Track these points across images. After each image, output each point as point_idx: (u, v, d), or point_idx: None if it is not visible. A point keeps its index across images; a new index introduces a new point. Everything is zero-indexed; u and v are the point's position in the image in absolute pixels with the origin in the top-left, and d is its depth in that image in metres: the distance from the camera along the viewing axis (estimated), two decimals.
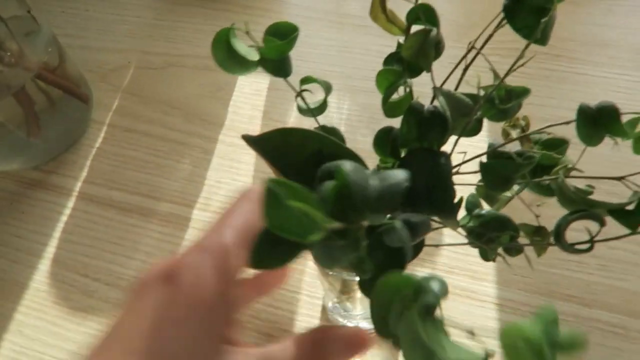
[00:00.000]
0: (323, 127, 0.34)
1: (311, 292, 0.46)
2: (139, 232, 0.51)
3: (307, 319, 0.45)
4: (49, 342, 0.46)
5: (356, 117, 0.56)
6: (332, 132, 0.34)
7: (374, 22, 0.29)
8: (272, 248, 0.16)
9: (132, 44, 0.67)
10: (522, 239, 0.32)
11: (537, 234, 0.32)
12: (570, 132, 0.29)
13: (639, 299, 0.43)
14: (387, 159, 0.34)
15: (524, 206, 0.34)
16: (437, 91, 0.27)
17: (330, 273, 0.38)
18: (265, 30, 0.28)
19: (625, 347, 0.41)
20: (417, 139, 0.28)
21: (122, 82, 0.63)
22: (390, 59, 0.32)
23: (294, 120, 0.57)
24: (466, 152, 0.35)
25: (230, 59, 0.28)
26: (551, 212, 0.35)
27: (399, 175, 0.18)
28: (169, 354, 0.18)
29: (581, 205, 0.27)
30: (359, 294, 0.41)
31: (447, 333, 0.21)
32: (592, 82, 0.56)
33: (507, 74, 0.27)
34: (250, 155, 0.54)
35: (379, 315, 0.21)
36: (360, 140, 0.54)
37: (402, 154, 0.35)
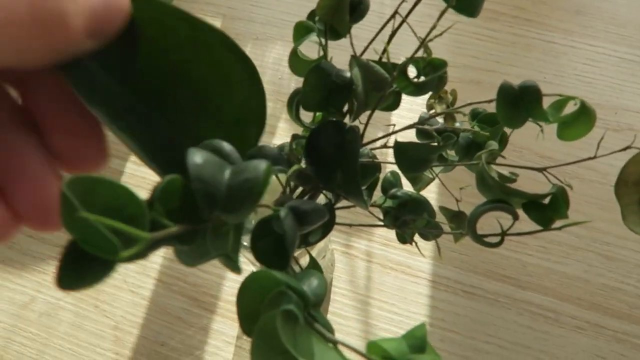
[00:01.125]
0: None
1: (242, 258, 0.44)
2: None
3: (234, 284, 0.43)
4: None
5: None
6: None
7: None
8: (82, 260, 0.13)
9: None
10: (443, 222, 0.30)
11: (456, 219, 0.30)
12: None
13: (575, 283, 0.41)
14: (297, 122, 0.31)
15: (452, 188, 0.32)
16: (354, 61, 0.24)
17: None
18: None
19: (554, 331, 0.40)
20: (319, 102, 0.25)
21: None
22: (311, 16, 0.28)
23: None
24: (394, 125, 0.32)
25: None
26: (474, 194, 0.33)
27: (258, 167, 0.15)
28: None
29: (498, 194, 0.25)
30: None
31: (324, 338, 0.18)
32: (560, 52, 0.53)
33: (422, 44, 0.24)
34: None
35: (245, 314, 0.18)
36: None
37: (316, 120, 0.32)
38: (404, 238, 0.30)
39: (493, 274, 0.42)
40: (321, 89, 0.26)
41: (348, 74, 0.26)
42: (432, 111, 0.28)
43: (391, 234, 0.45)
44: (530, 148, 0.47)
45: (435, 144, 0.27)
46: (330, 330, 0.17)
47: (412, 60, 0.24)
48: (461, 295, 0.42)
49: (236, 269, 0.19)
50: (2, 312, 0.43)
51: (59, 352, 0.41)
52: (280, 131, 0.51)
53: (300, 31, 0.27)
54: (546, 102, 0.25)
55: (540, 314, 0.40)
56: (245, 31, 0.56)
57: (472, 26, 0.55)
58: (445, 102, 0.28)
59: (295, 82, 0.52)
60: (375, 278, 0.43)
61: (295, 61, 0.27)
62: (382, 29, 0.26)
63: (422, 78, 0.26)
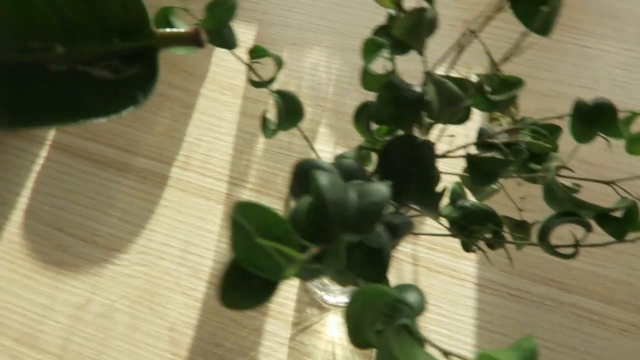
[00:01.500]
0: (279, 92, 0.32)
1: None
2: (115, 187, 0.49)
3: (285, 287, 0.45)
4: (21, 295, 0.45)
5: (347, 79, 0.54)
6: (288, 97, 0.32)
7: None
8: (242, 282, 0.14)
9: None
10: (504, 232, 0.31)
11: (519, 228, 0.31)
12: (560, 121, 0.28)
13: (619, 287, 0.42)
14: (365, 135, 0.32)
15: (505, 195, 0.33)
16: (428, 77, 0.25)
17: None
18: (206, 6, 0.28)
19: (600, 334, 0.41)
20: (391, 116, 0.26)
21: None
22: (379, 32, 0.29)
23: (280, 77, 0.54)
24: (454, 136, 0.33)
25: None
26: (533, 203, 0.34)
27: (380, 190, 0.16)
28: None
29: (568, 206, 0.26)
30: None
31: (424, 347, 0.20)
32: (594, 56, 0.54)
33: (501, 62, 0.25)
34: (233, 113, 0.52)
35: (354, 324, 0.20)
36: (349, 105, 0.52)
37: (381, 132, 0.33)
38: (469, 246, 0.31)
39: (538, 277, 0.43)
40: (393, 103, 0.27)
41: (417, 89, 0.27)
42: (495, 123, 0.29)
43: (436, 237, 0.46)
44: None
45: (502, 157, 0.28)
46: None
47: (487, 77, 0.25)
48: (507, 298, 0.43)
49: (352, 283, 0.20)
50: (59, 313, 0.45)
51: (117, 353, 0.43)
52: (321, 136, 0.52)
53: (371, 47, 0.28)
54: None
55: (586, 316, 0.42)
56: (281, 37, 0.57)
57: (507, 31, 0.55)
58: (510, 115, 0.29)
59: (334, 88, 0.53)
60: (422, 281, 0.44)
61: (366, 77, 0.28)
62: (459, 51, 0.27)
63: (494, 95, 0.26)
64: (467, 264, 0.44)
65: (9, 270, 0.46)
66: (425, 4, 0.24)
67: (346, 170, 0.25)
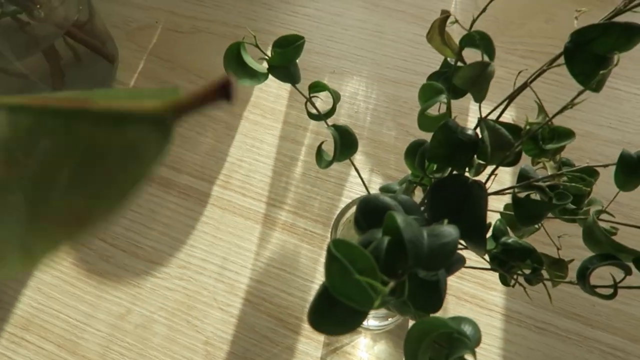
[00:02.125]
0: (334, 126, 0.34)
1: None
2: (158, 202, 0.51)
3: None
4: (65, 302, 0.47)
5: (383, 109, 0.56)
6: (344, 132, 0.34)
7: (428, 43, 0.28)
8: (333, 310, 0.16)
9: (160, 2, 0.65)
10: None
11: (556, 265, 0.33)
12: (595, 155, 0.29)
13: None
14: (415, 171, 0.34)
15: (541, 232, 0.34)
16: (483, 124, 0.27)
17: None
18: (273, 43, 0.30)
19: None
20: (445, 157, 0.28)
21: (149, 44, 0.62)
22: (435, 76, 0.31)
23: (320, 104, 0.56)
24: (496, 174, 0.35)
25: (241, 71, 0.30)
26: (568, 241, 0.35)
27: (451, 233, 0.18)
28: None
29: (607, 248, 0.28)
30: None
31: None
32: (623, 99, 0.56)
33: (554, 115, 0.27)
34: (273, 137, 0.54)
35: (411, 349, 0.21)
36: (385, 134, 0.54)
37: (430, 169, 0.35)
38: (506, 281, 0.32)
39: (564, 311, 0.45)
40: (447, 144, 0.29)
41: (471, 132, 0.29)
42: (538, 165, 0.31)
43: (465, 267, 0.47)
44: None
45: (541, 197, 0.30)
46: None
47: (540, 127, 0.27)
48: (534, 331, 0.44)
49: (409, 312, 0.22)
50: (101, 321, 0.46)
51: None
52: (357, 163, 0.54)
53: (429, 92, 0.30)
54: (615, 148, 0.27)
55: (610, 353, 0.43)
56: (322, 65, 0.60)
57: (552, 92, 0.57)
58: (555, 161, 0.30)
59: (371, 117, 0.55)
60: (450, 309, 0.46)
61: (422, 119, 0.30)
62: (510, 99, 0.29)
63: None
64: (495, 294, 0.46)
65: (53, 277, 0.49)
66: (486, 58, 0.26)
67: (404, 206, 0.27)
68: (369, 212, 0.24)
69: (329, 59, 0.60)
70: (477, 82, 0.27)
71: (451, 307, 0.46)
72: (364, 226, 0.25)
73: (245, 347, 0.45)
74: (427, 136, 0.32)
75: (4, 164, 0.11)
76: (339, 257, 0.15)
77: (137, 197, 0.52)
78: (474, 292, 0.46)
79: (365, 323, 0.45)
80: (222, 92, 0.11)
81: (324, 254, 0.49)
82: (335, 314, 0.17)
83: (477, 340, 0.22)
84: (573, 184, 0.29)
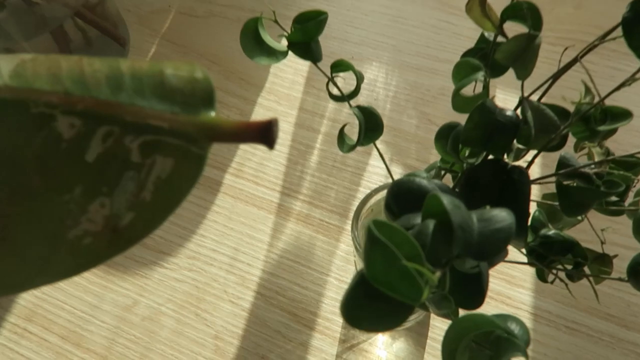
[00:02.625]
0: (359, 107, 0.31)
1: (340, 276, 0.45)
2: None
3: (333, 302, 0.44)
4: (70, 292, 0.45)
5: (404, 96, 0.53)
6: (369, 113, 0.31)
7: (466, 14, 0.26)
8: (371, 302, 0.14)
9: None
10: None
11: (599, 260, 0.30)
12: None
13: None
14: (447, 156, 0.31)
15: (583, 226, 0.32)
16: (526, 103, 0.25)
17: None
18: (294, 19, 0.28)
19: None
20: (481, 139, 0.26)
21: (161, 28, 0.60)
22: (471, 53, 0.29)
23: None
24: (533, 160, 0.32)
25: (258, 49, 0.28)
26: (610, 236, 0.33)
27: (505, 218, 0.16)
28: None
29: None
30: None
31: None
32: None
33: (610, 93, 0.24)
34: (288, 124, 0.52)
35: (449, 349, 0.19)
36: (405, 122, 0.51)
37: (463, 154, 0.32)
38: (544, 276, 0.30)
39: (596, 311, 0.42)
40: (484, 126, 0.26)
41: (511, 114, 0.26)
42: (582, 152, 0.28)
43: None
44: None
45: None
46: None
47: (591, 106, 0.24)
48: (563, 331, 0.41)
49: (448, 308, 0.20)
50: (106, 313, 0.45)
51: (161, 357, 0.42)
52: (376, 152, 0.51)
53: (465, 69, 0.28)
54: None
55: None
56: (340, 50, 0.57)
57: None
58: (602, 146, 0.28)
59: (391, 105, 0.53)
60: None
61: (457, 99, 0.28)
62: (557, 76, 0.26)
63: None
64: (523, 292, 0.43)
65: None
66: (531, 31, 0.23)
67: (441, 190, 0.24)
68: (403, 195, 0.22)
69: (348, 44, 0.57)
70: (521, 56, 0.24)
71: None
72: (396, 211, 0.22)
73: (256, 342, 0.43)
74: (456, 119, 0.30)
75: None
76: (383, 240, 0.12)
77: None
78: (499, 289, 0.43)
79: None
80: (264, 135, 0.11)
81: (340, 245, 0.46)
82: (375, 307, 0.14)
83: (527, 342, 0.20)
84: (621, 172, 0.27)
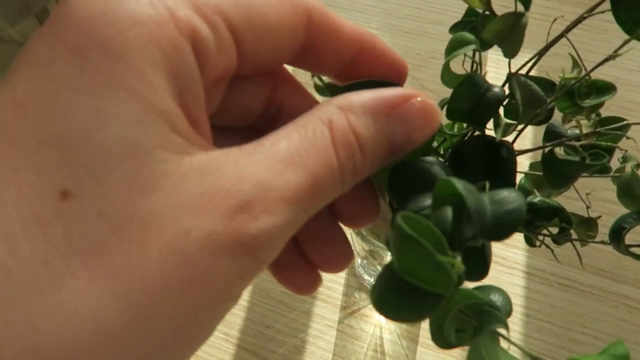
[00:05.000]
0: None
1: None
2: None
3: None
4: None
5: None
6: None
7: None
8: (404, 294, 0.14)
9: None
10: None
11: (584, 224, 0.31)
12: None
13: None
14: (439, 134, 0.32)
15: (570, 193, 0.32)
16: (513, 79, 0.25)
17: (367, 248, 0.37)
18: None
19: None
20: (464, 113, 0.26)
21: None
22: (460, 26, 0.28)
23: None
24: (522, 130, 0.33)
25: None
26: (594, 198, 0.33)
27: (516, 199, 0.16)
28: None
29: None
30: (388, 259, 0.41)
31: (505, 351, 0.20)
32: None
33: (593, 69, 0.24)
34: None
35: (437, 326, 0.20)
36: None
37: (449, 126, 0.33)
38: (531, 241, 0.31)
39: (588, 266, 0.43)
40: (469, 100, 0.27)
41: (497, 89, 0.26)
42: (570, 124, 0.29)
43: None
44: None
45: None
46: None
47: (576, 81, 0.25)
48: (556, 288, 0.43)
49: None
50: None
51: None
52: None
53: (459, 45, 0.28)
54: None
55: (637, 307, 0.42)
56: None
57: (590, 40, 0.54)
58: (590, 118, 0.28)
59: None
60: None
61: (447, 74, 0.28)
62: (545, 50, 0.26)
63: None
64: (517, 252, 0.44)
65: None
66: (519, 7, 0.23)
67: (442, 169, 0.25)
68: (409, 178, 0.22)
69: (336, 10, 0.56)
70: (508, 35, 0.24)
71: None
72: (403, 194, 0.23)
73: (261, 312, 0.44)
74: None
75: None
76: (416, 237, 0.13)
77: None
78: (494, 251, 0.44)
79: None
80: None
81: None
82: (407, 299, 0.15)
83: (508, 312, 0.21)
84: (605, 143, 0.27)
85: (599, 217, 0.32)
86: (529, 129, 0.47)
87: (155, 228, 0.11)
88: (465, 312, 0.21)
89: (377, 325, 0.44)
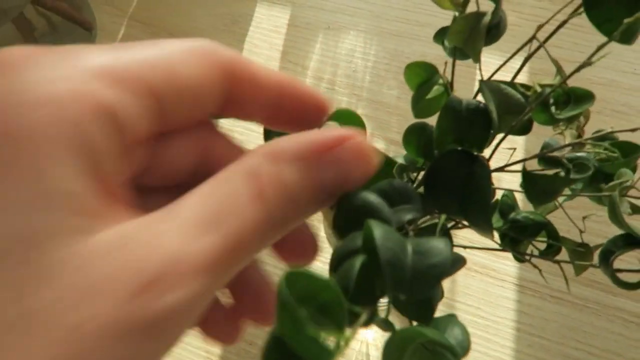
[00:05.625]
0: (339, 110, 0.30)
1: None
2: None
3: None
4: None
5: (383, 66, 0.51)
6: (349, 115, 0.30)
7: None
8: (289, 357, 0.13)
9: None
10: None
11: (580, 251, 0.29)
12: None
13: None
14: (417, 158, 0.30)
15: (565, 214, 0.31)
16: (483, 85, 0.23)
17: None
18: None
19: None
20: (454, 141, 0.25)
21: (129, 7, 0.58)
22: (441, 34, 0.27)
23: (315, 64, 0.52)
24: (515, 149, 0.31)
25: None
26: (597, 225, 0.32)
27: (442, 251, 0.15)
28: None
29: (627, 228, 0.24)
30: None
31: None
32: None
33: (568, 77, 0.22)
34: None
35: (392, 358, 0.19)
36: (386, 94, 0.50)
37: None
38: (521, 260, 0.29)
39: (581, 278, 0.42)
40: (454, 128, 0.25)
41: (473, 102, 0.25)
42: (558, 134, 0.27)
43: (476, 235, 0.44)
44: None
45: (563, 173, 0.26)
46: None
47: (552, 90, 0.23)
48: (549, 300, 0.41)
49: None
50: None
51: None
52: None
53: (420, 73, 0.26)
54: None
55: (633, 321, 0.40)
56: (316, 20, 0.55)
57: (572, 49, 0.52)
58: (575, 127, 0.26)
59: (370, 76, 0.51)
60: (459, 281, 0.43)
61: (418, 107, 0.26)
62: (515, 53, 0.25)
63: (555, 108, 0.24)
64: (508, 264, 0.43)
65: None
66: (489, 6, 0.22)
67: (396, 195, 0.23)
68: (351, 213, 0.21)
69: (323, 13, 0.55)
70: (470, 36, 0.23)
71: (461, 280, 0.43)
72: (344, 229, 0.21)
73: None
74: None
75: None
76: (291, 305, 0.12)
77: None
78: (484, 262, 0.43)
79: None
80: None
81: (321, 227, 0.46)
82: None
83: (465, 348, 0.19)
84: (604, 158, 0.25)
85: (598, 246, 0.30)
86: (520, 140, 0.45)
87: (40, 329, 0.10)
88: (426, 346, 0.20)
89: (363, 342, 0.42)
